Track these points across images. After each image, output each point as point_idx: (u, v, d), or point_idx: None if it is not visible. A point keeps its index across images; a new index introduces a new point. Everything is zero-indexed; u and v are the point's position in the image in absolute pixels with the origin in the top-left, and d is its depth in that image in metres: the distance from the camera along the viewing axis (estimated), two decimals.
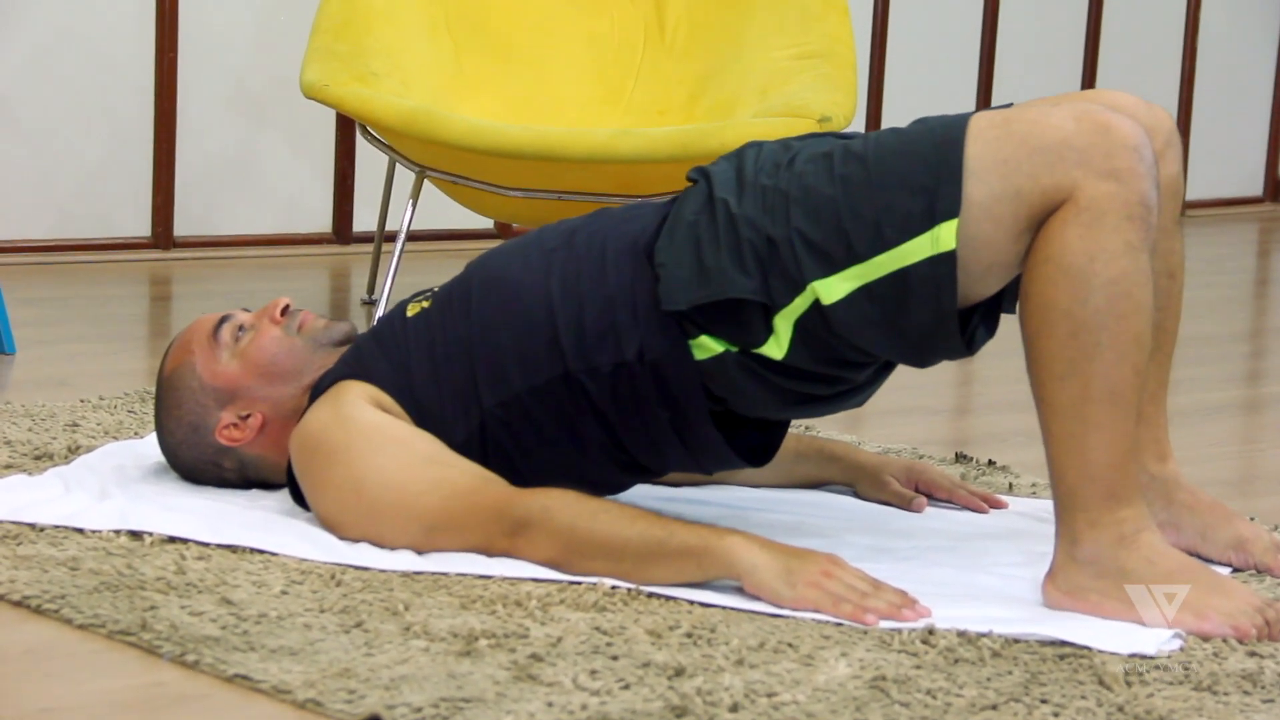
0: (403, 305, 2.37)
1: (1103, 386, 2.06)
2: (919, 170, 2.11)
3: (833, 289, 2.12)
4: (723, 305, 2.15)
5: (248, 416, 2.38)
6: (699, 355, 2.19)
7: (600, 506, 2.14)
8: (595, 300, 2.21)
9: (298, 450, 2.27)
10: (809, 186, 2.15)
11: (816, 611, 2.06)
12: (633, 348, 2.19)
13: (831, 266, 2.12)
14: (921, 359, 2.19)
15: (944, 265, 2.08)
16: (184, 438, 2.41)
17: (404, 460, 2.21)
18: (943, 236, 2.08)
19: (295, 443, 2.28)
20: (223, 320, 2.41)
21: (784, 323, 2.15)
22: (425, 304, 2.33)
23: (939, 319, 2.11)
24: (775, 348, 2.15)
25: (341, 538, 2.25)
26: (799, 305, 2.13)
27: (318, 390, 2.33)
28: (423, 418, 2.26)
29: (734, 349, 2.18)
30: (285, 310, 2.42)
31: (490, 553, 2.19)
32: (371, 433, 2.23)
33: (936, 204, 2.08)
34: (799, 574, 2.08)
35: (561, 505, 2.15)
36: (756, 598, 2.09)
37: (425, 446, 2.23)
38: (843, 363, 2.19)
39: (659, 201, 2.32)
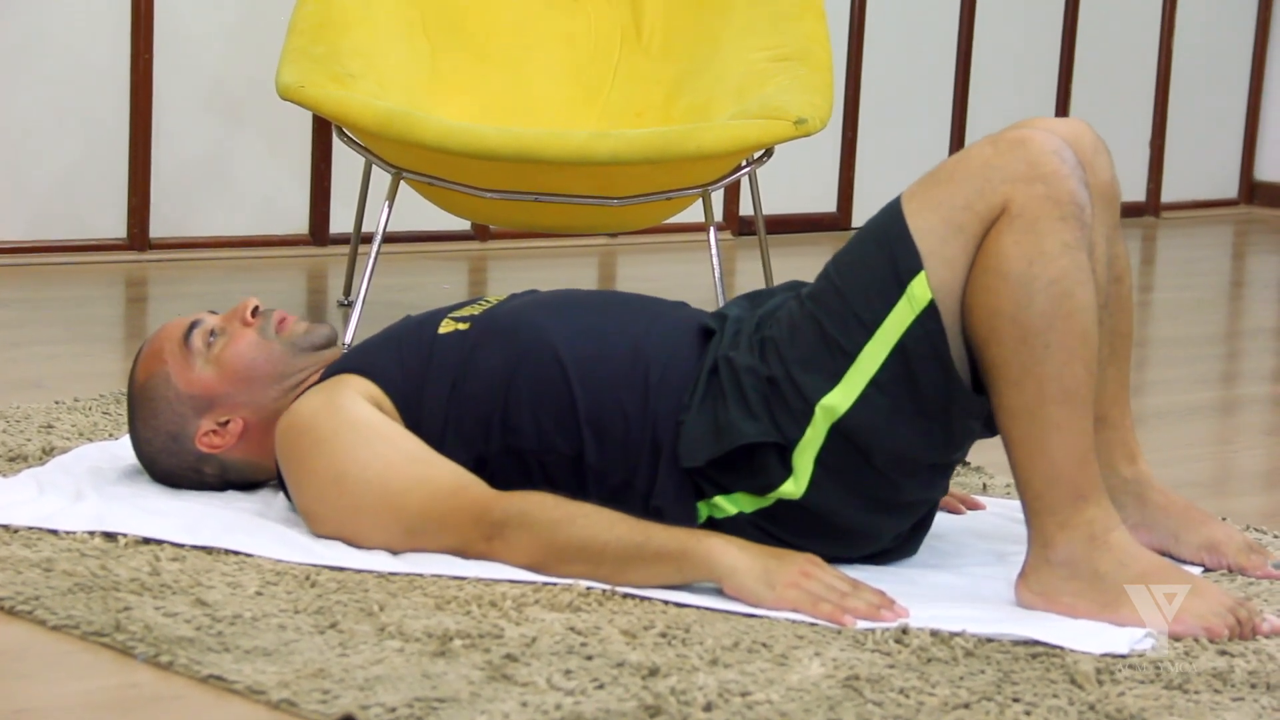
0: (435, 316, 2.35)
1: (1056, 387, 2.07)
2: (872, 252, 2.15)
3: (840, 400, 2.13)
4: (737, 456, 2.16)
5: (227, 423, 2.37)
6: (716, 515, 2.20)
7: (579, 510, 2.14)
8: (624, 418, 2.21)
9: (283, 433, 2.27)
10: (788, 321, 2.19)
11: (796, 612, 2.07)
12: (642, 485, 2.20)
13: (831, 378, 2.14)
14: (949, 436, 2.17)
15: (930, 320, 2.11)
16: (163, 446, 2.40)
17: (389, 456, 2.21)
18: (917, 293, 2.10)
19: (283, 426, 2.27)
20: (192, 326, 2.38)
21: (803, 459, 2.16)
22: (462, 326, 2.31)
23: (946, 373, 2.12)
24: (793, 486, 2.16)
25: (317, 531, 2.25)
26: (814, 438, 2.15)
27: (321, 378, 2.32)
28: (418, 434, 2.25)
29: (748, 511, 2.19)
30: (255, 311, 2.40)
31: (467, 555, 2.19)
32: (360, 426, 2.22)
33: (898, 267, 2.11)
34: (778, 575, 2.08)
35: (540, 510, 2.15)
36: (736, 599, 2.09)
37: (411, 445, 2.23)
38: (868, 502, 2.18)
39: (697, 314, 2.33)
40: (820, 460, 2.15)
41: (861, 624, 2.04)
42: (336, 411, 2.23)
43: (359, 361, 2.31)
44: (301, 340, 2.38)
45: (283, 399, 2.36)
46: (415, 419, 2.26)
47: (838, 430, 2.14)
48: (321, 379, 2.33)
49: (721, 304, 3.45)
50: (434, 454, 2.22)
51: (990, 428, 2.17)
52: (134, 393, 2.41)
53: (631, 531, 2.12)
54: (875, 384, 2.13)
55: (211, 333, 2.38)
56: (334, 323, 3.84)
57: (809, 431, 2.15)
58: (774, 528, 2.18)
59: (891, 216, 2.15)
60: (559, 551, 2.13)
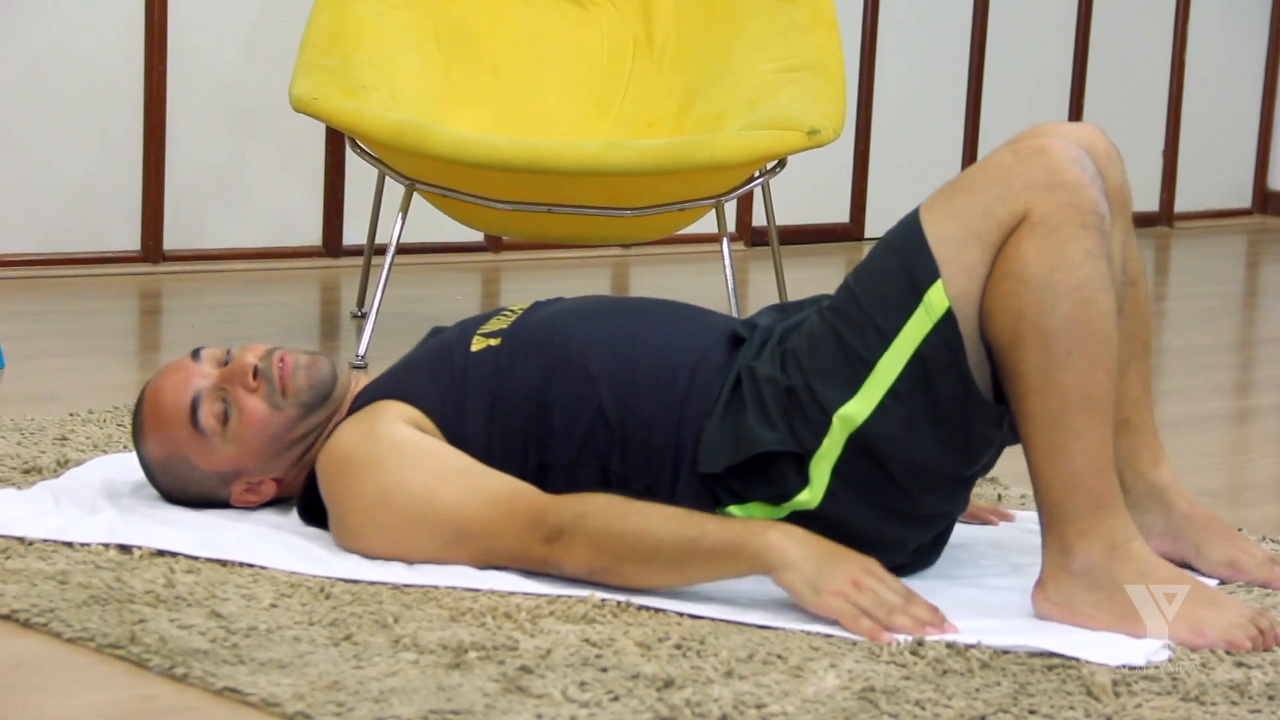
0: (466, 332, 2.34)
1: (1078, 394, 2.07)
2: (890, 261, 2.15)
3: (858, 409, 2.13)
4: (754, 464, 2.16)
5: (260, 483, 2.38)
6: None
7: (633, 507, 2.13)
8: (650, 426, 2.21)
9: (325, 465, 2.26)
10: (808, 334, 2.19)
11: (837, 623, 2.05)
12: (664, 490, 2.20)
13: (849, 388, 2.14)
14: (968, 446, 2.16)
15: (948, 328, 2.10)
16: (201, 503, 2.40)
17: (438, 471, 2.20)
18: (934, 302, 2.10)
19: (324, 458, 2.26)
20: (194, 408, 2.32)
21: (820, 468, 2.16)
22: (494, 342, 2.30)
23: (964, 382, 2.12)
24: (809, 495, 2.16)
25: (369, 554, 2.23)
26: (831, 448, 2.14)
27: (356, 406, 2.32)
28: (463, 451, 2.25)
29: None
30: (256, 373, 2.33)
31: (525, 560, 2.17)
32: (405, 447, 2.22)
33: (916, 275, 2.11)
34: (828, 580, 2.06)
35: (595, 509, 2.14)
36: (784, 590, 2.08)
37: (459, 460, 2.22)
38: (885, 514, 2.17)
39: (725, 319, 2.33)
40: (837, 470, 2.15)
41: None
42: (379, 439, 2.23)
43: (394, 386, 2.31)
44: (309, 396, 2.34)
45: (310, 452, 2.35)
46: (458, 439, 2.25)
47: (855, 440, 2.14)
48: (355, 406, 2.32)
49: (736, 315, 3.46)
50: (482, 466, 2.22)
51: (1015, 434, 2.16)
52: (153, 466, 2.39)
53: (685, 526, 2.10)
54: (893, 393, 2.13)
55: (224, 406, 2.32)
56: (347, 335, 3.85)
57: (826, 441, 2.14)
58: None
59: (909, 226, 2.15)
60: (614, 549, 2.11)
